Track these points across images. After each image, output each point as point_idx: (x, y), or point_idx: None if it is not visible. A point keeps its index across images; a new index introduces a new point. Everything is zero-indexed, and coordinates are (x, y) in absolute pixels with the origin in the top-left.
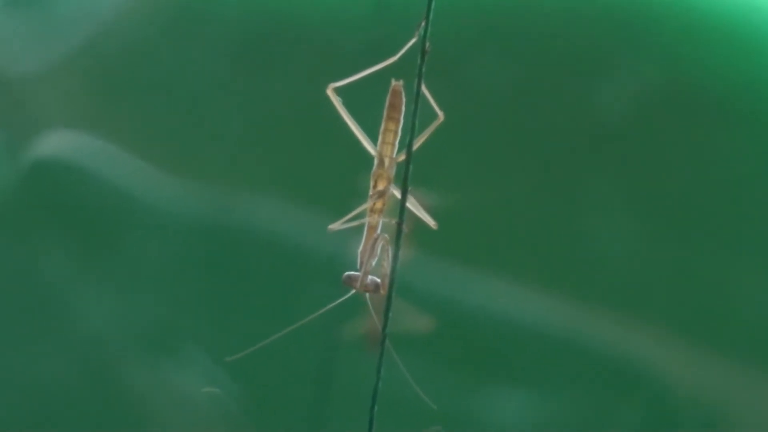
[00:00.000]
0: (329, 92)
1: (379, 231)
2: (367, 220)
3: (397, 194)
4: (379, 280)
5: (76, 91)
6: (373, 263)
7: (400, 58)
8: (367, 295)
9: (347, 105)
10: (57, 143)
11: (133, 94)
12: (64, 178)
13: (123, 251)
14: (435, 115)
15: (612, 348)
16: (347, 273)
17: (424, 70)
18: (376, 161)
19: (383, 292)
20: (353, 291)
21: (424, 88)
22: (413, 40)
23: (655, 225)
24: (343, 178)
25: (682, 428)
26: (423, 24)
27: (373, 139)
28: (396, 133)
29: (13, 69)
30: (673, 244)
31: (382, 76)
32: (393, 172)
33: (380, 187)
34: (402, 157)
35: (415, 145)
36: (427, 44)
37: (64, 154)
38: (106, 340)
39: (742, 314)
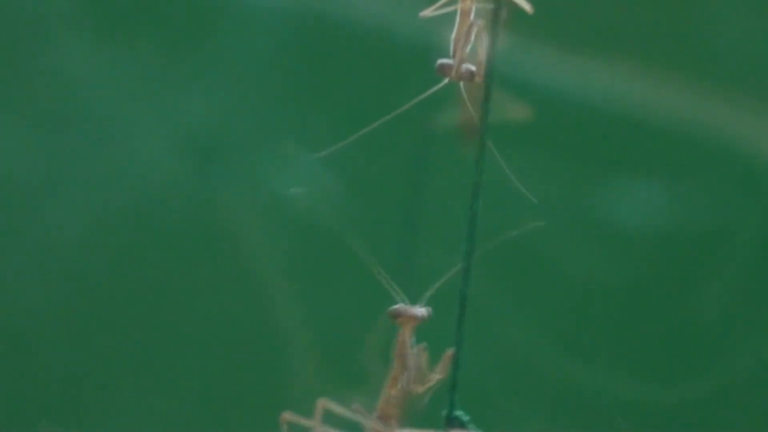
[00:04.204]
0: None
1: (473, 16)
2: (459, 4)
3: None
4: (474, 68)
5: None
6: (468, 50)
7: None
8: (462, 84)
9: None
10: None
11: None
12: None
13: (208, 42)
14: None
15: (733, 141)
16: (440, 61)
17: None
18: None
19: (479, 79)
20: (447, 80)
21: None
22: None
23: None
24: None
25: None
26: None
27: None
28: None
29: None
30: None
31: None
32: None
33: None
34: None
35: None
36: None
37: None
38: (190, 141)
39: None
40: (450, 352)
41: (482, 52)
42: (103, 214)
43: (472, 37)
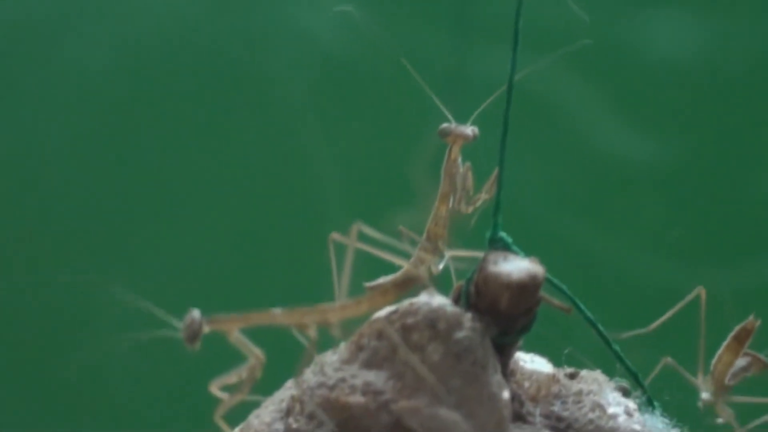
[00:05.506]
0: None
1: None
2: None
3: None
4: None
5: None
6: None
7: None
8: None
9: None
10: None
11: None
12: None
13: None
14: None
15: None
16: None
17: None
18: None
19: None
20: None
21: None
22: None
23: None
24: None
25: None
26: None
27: None
28: None
29: None
30: None
31: None
32: None
33: None
34: None
35: None
36: None
37: None
38: None
39: None
40: (496, 171)
41: None
42: (124, 48)
43: None
